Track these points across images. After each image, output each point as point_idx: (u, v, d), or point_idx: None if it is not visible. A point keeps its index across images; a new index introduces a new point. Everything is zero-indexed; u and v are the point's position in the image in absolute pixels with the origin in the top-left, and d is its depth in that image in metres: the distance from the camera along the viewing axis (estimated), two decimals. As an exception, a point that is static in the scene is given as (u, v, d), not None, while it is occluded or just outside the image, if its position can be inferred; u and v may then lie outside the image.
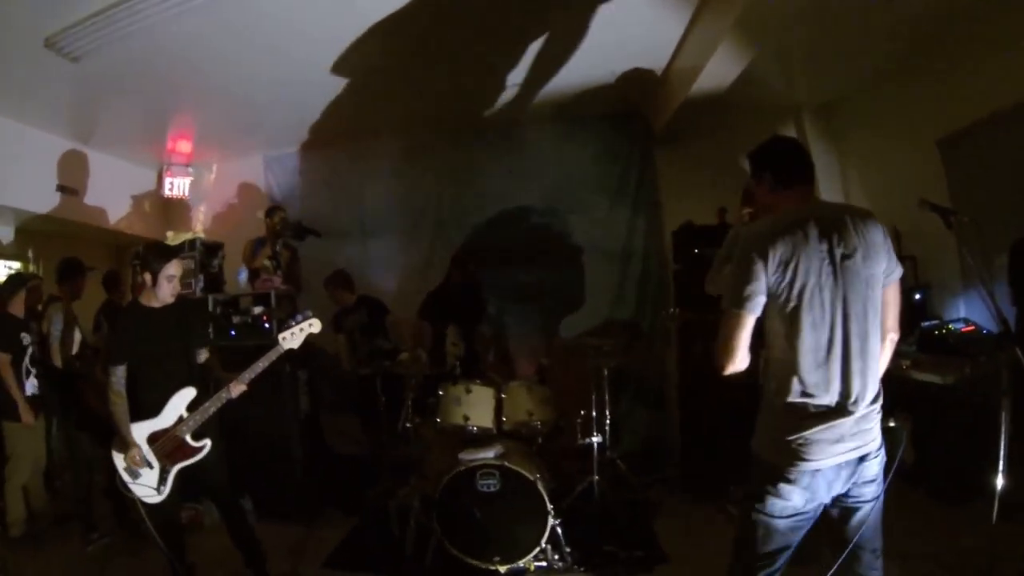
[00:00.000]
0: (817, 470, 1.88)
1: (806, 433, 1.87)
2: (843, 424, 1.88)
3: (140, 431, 3.07)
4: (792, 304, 1.90)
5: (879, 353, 1.96)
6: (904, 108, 4.72)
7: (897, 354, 3.88)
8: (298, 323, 3.19)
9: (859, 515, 1.96)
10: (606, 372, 4.07)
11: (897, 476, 3.82)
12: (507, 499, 3.30)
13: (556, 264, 5.66)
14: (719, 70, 4.08)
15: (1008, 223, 3.73)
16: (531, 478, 3.28)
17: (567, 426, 3.74)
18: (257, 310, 4.43)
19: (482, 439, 3.62)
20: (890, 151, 4.88)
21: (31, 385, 4.11)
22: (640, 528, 3.83)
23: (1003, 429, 2.42)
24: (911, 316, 4.29)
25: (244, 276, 4.70)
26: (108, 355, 3.16)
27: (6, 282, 4.31)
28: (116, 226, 5.82)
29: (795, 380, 1.90)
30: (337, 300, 5.06)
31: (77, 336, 4.35)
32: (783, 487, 1.90)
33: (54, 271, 4.50)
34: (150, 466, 3.07)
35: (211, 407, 3.12)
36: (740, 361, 1.94)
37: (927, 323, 4.09)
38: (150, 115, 5.07)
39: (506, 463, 3.31)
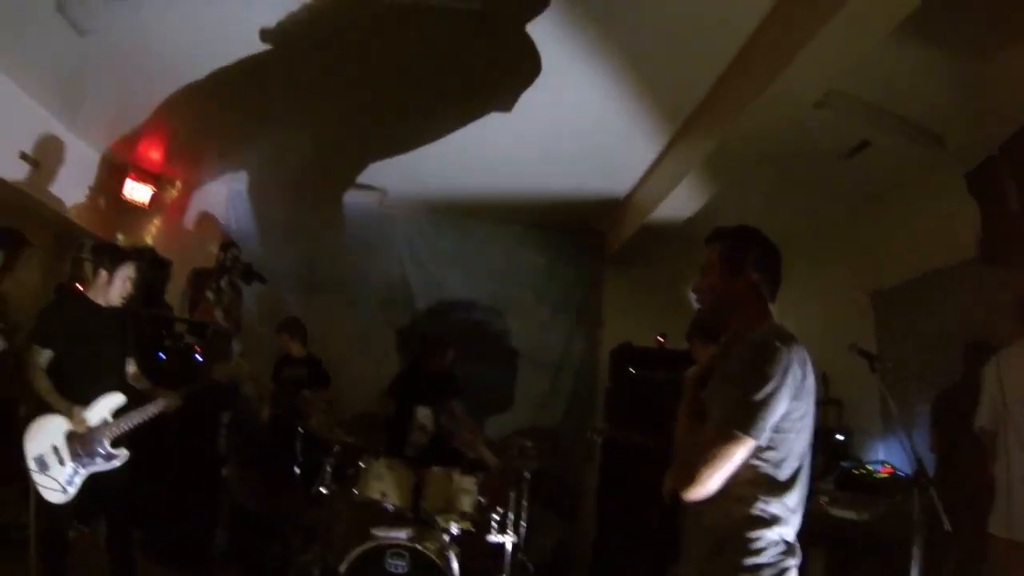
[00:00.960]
0: None
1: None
2: None
3: (59, 425, 2.95)
4: (792, 434, 1.60)
5: None
6: (845, 257, 5.06)
7: (816, 491, 4.12)
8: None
9: None
10: (527, 474, 4.09)
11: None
12: (414, 585, 3.23)
13: (490, 363, 5.71)
14: (681, 202, 4.32)
15: (930, 377, 4.02)
16: (441, 566, 3.24)
17: (482, 522, 3.72)
18: (190, 339, 4.34)
19: (396, 518, 3.57)
20: (827, 298, 5.20)
21: None
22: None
23: (914, 565, 2.52)
24: (832, 456, 4.53)
25: (186, 302, 4.59)
26: (39, 335, 3.04)
27: None
28: (66, 213, 5.58)
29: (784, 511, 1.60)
30: (285, 347, 4.94)
31: None
32: None
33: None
34: (61, 462, 2.92)
35: (137, 417, 3.06)
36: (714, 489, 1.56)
37: (847, 463, 4.30)
38: (130, 112, 4.89)
39: (419, 546, 3.26)
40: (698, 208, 4.43)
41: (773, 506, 1.58)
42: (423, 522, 3.61)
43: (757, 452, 1.56)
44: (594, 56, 3.36)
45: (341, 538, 3.79)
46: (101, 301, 3.14)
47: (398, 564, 3.25)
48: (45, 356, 2.98)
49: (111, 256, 3.17)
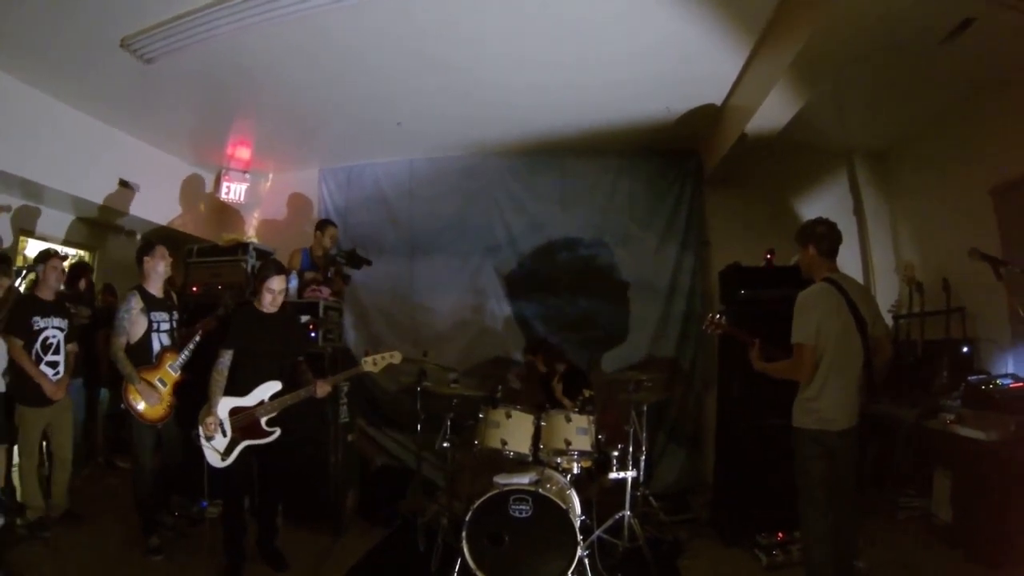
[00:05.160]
0: None
1: None
2: None
3: (225, 404, 3.51)
4: None
5: None
6: (957, 155, 4.64)
7: (940, 408, 3.84)
8: (381, 352, 3.63)
9: None
10: (645, 408, 4.06)
11: (933, 535, 3.72)
12: (538, 526, 3.29)
13: (601, 296, 5.67)
14: (773, 111, 4.09)
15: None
16: (563, 507, 3.27)
17: (603, 459, 3.73)
18: (304, 319, 4.53)
19: (518, 464, 3.64)
20: (942, 199, 4.80)
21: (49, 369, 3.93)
22: (665, 567, 3.76)
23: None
24: (957, 370, 4.21)
25: (295, 283, 4.77)
26: (222, 340, 3.61)
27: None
28: (171, 224, 6.01)
29: None
30: None
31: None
32: None
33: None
34: (224, 434, 3.47)
35: (290, 400, 3.54)
36: None
37: (974, 377, 4.00)
38: (213, 121, 5.27)
39: (540, 490, 3.30)
40: (792, 116, 4.17)
41: None
42: (544, 464, 3.66)
43: None
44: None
45: (466, 487, 3.92)
46: (266, 310, 3.63)
47: (522, 508, 3.32)
48: (227, 357, 3.52)
49: (264, 270, 3.65)
